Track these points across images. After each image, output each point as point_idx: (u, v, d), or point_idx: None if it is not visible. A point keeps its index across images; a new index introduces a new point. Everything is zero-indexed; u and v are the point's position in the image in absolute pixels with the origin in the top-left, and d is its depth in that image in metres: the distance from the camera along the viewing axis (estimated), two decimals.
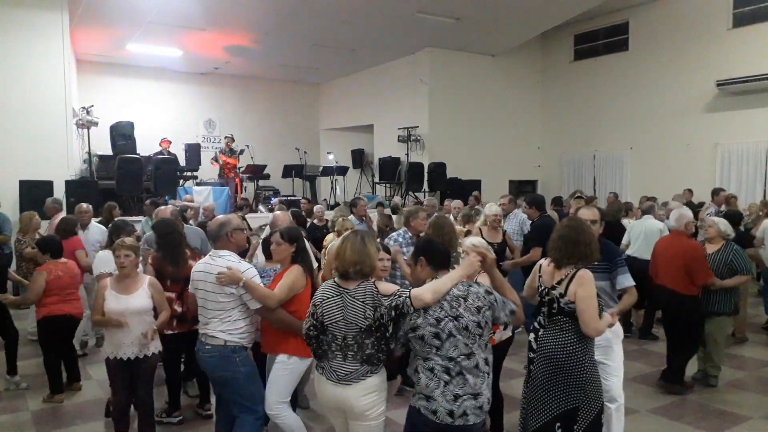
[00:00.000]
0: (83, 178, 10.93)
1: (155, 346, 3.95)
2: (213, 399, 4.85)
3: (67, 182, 9.72)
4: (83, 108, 11.03)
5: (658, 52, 13.44)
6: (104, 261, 4.90)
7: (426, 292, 2.71)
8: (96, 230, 6.75)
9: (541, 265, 3.44)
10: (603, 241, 3.85)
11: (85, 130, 11.13)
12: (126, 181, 10.31)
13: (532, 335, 3.35)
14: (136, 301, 3.88)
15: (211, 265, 3.53)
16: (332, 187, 14.25)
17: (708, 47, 12.61)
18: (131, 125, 12.09)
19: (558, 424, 3.13)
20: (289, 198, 13.43)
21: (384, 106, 15.55)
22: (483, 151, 14.89)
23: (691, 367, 5.48)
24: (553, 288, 3.24)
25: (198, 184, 12.66)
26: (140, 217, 8.39)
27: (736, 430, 4.54)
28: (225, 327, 3.49)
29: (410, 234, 5.08)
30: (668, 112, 13.33)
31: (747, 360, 6.18)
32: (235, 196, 12.23)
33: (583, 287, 3.13)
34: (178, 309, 4.44)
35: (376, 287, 2.88)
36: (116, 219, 6.57)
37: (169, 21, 11.44)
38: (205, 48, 13.53)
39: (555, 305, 3.22)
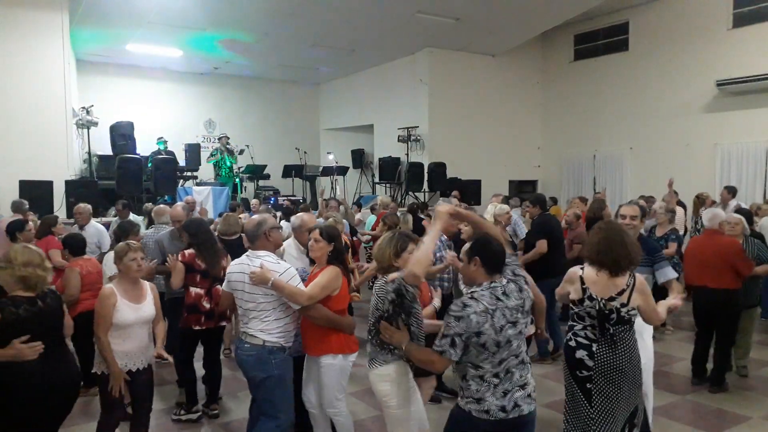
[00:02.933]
0: (83, 178, 10.93)
1: (151, 358, 3.78)
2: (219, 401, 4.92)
3: (67, 182, 9.72)
4: (83, 108, 11.04)
5: (658, 52, 13.44)
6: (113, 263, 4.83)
7: (412, 266, 2.92)
8: (93, 231, 6.70)
9: (581, 277, 3.26)
10: (642, 237, 4.09)
11: (85, 130, 11.14)
12: (126, 181, 10.31)
13: (583, 352, 3.19)
14: (147, 310, 3.68)
15: (248, 265, 3.54)
16: (332, 187, 14.24)
17: (708, 47, 12.60)
18: (131, 125, 12.09)
19: (626, 425, 3.25)
20: (288, 198, 13.45)
21: (384, 106, 15.55)
22: (483, 151, 14.89)
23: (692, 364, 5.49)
24: (612, 299, 3.13)
25: (198, 184, 12.66)
26: (140, 217, 8.38)
27: (736, 430, 4.54)
28: (264, 326, 3.50)
29: (445, 236, 5.09)
30: (668, 112, 13.32)
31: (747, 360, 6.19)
32: (234, 197, 12.22)
33: (644, 292, 3.19)
34: (207, 305, 4.45)
35: (384, 280, 3.16)
36: (123, 220, 6.58)
37: (169, 21, 11.44)
38: (205, 48, 13.53)
39: (614, 316, 3.12)
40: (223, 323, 4.80)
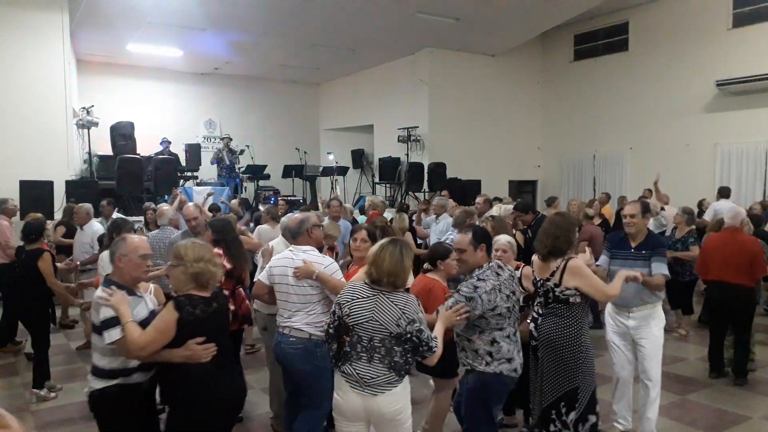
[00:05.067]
0: (83, 179, 10.94)
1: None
2: None
3: (68, 182, 9.72)
4: (83, 108, 11.03)
5: (658, 52, 13.44)
6: (107, 265, 4.72)
7: (437, 348, 2.92)
8: (90, 231, 6.71)
9: (532, 261, 3.78)
10: (650, 232, 4.25)
11: (86, 131, 11.14)
12: (126, 181, 10.31)
13: (531, 324, 3.67)
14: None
15: (293, 260, 3.63)
16: (332, 188, 14.24)
17: (708, 47, 12.61)
18: (131, 125, 12.09)
19: (562, 403, 3.49)
20: (289, 198, 13.44)
21: (384, 106, 15.55)
22: (483, 151, 14.89)
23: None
24: (547, 280, 3.55)
25: (198, 184, 12.66)
26: (140, 218, 8.38)
27: (736, 430, 4.55)
28: (310, 320, 3.55)
29: None
30: (668, 112, 13.33)
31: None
32: (235, 197, 12.22)
33: (579, 275, 3.45)
34: (231, 307, 4.42)
35: (419, 302, 2.97)
36: (117, 217, 6.56)
37: (169, 21, 11.44)
38: (205, 48, 13.53)
39: (551, 294, 3.54)
40: (245, 325, 4.73)
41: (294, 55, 14.43)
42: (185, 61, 14.55)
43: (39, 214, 6.64)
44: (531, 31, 14.01)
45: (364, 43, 13.56)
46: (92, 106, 11.12)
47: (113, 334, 2.76)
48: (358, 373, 2.87)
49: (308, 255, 3.64)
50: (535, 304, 3.68)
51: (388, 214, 8.95)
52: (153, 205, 8.01)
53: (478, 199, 7.46)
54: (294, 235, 3.80)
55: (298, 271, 3.54)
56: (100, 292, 2.86)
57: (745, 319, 5.57)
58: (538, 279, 3.64)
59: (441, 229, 7.40)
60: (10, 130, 9.61)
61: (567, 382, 3.47)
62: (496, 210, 7.33)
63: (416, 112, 14.39)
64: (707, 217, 8.76)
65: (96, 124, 11.18)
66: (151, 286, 3.97)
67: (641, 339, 4.13)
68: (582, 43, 15.28)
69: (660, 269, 4.02)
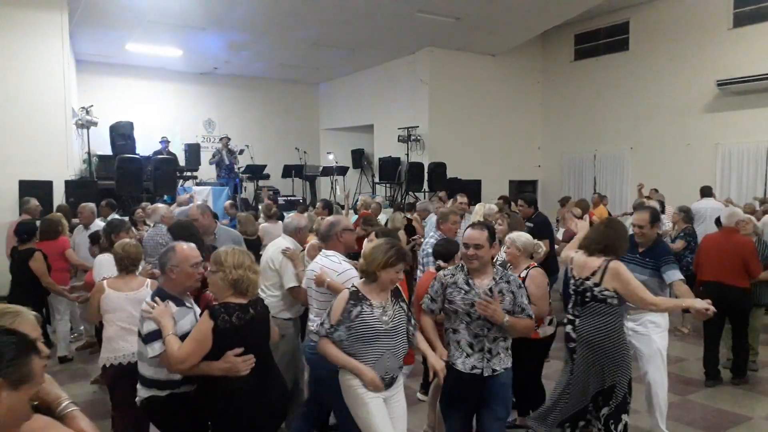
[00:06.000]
0: (83, 178, 10.92)
1: None
2: None
3: (67, 182, 9.71)
4: (83, 108, 11.02)
5: (659, 52, 13.43)
6: (106, 265, 4.55)
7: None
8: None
9: (572, 258, 3.82)
10: (658, 240, 4.32)
11: (85, 130, 11.12)
12: (126, 181, 10.30)
13: (569, 326, 3.74)
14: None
15: (317, 264, 3.69)
16: (332, 188, 14.24)
17: (708, 47, 12.59)
18: (131, 125, 12.09)
19: (600, 398, 3.58)
20: (290, 198, 13.45)
21: (384, 106, 15.54)
22: (483, 151, 14.88)
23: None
24: (587, 279, 3.62)
25: (198, 184, 12.65)
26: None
27: (736, 430, 4.54)
28: None
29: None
30: (668, 112, 13.31)
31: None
32: (234, 197, 12.22)
33: (619, 279, 3.52)
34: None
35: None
36: (113, 218, 6.55)
37: (168, 21, 11.43)
38: (205, 48, 13.52)
39: (589, 294, 3.60)
40: None
41: (294, 55, 14.42)
42: (185, 60, 14.54)
43: (59, 214, 6.69)
44: (531, 30, 14.00)
45: (364, 42, 13.55)
46: (92, 105, 11.11)
47: (155, 348, 2.77)
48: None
49: (327, 261, 3.66)
50: (570, 306, 3.77)
51: (384, 216, 8.94)
52: (143, 205, 8.03)
53: (460, 198, 7.55)
54: (323, 239, 3.82)
55: (314, 278, 3.62)
56: (145, 304, 2.89)
57: (741, 320, 5.56)
58: (577, 278, 3.71)
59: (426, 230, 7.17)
60: (9, 130, 9.59)
61: (604, 380, 3.55)
62: (479, 208, 7.31)
63: (416, 112, 14.38)
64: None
65: (95, 124, 11.17)
66: (148, 280, 4.00)
67: (638, 341, 4.17)
68: (582, 43, 15.26)
69: (675, 276, 4.06)
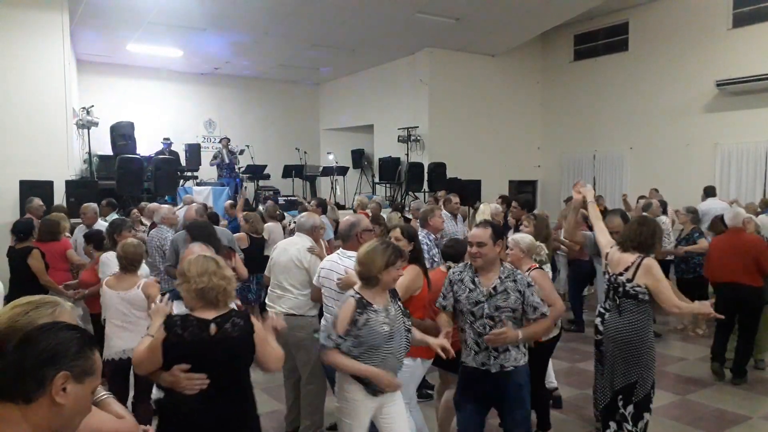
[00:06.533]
0: (83, 179, 10.93)
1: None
2: None
3: (68, 182, 9.71)
4: (83, 108, 11.03)
5: (658, 52, 13.44)
6: (110, 264, 4.57)
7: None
8: None
9: (607, 253, 3.89)
10: None
11: (86, 131, 11.13)
12: (126, 181, 10.30)
13: (598, 319, 3.85)
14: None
15: (338, 264, 3.65)
16: (332, 188, 14.24)
17: (708, 47, 12.60)
18: (131, 125, 12.08)
19: (620, 396, 3.64)
20: (289, 198, 13.45)
21: (384, 106, 15.55)
22: (483, 151, 14.89)
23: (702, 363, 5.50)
24: (620, 274, 3.70)
25: (198, 184, 12.66)
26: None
27: (736, 430, 4.55)
28: None
29: (432, 235, 5.25)
30: (668, 112, 13.32)
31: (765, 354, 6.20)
32: (234, 197, 12.23)
33: (652, 275, 3.60)
34: None
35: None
36: (117, 217, 6.56)
37: (169, 21, 11.43)
38: (205, 48, 13.52)
39: (621, 289, 3.68)
40: None
41: (294, 55, 14.42)
42: (185, 61, 14.54)
43: (61, 214, 6.70)
44: (531, 31, 14.01)
45: (364, 43, 13.56)
46: (92, 106, 11.12)
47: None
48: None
49: (351, 262, 3.54)
50: (604, 300, 3.85)
51: (384, 216, 8.93)
52: (141, 205, 8.05)
53: (455, 198, 7.58)
54: (344, 238, 3.80)
55: (340, 281, 3.55)
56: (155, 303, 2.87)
57: (752, 319, 5.61)
58: (610, 273, 3.79)
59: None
60: (10, 130, 9.59)
61: (627, 377, 3.63)
62: (485, 208, 7.36)
63: (416, 112, 14.39)
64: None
65: (96, 124, 11.17)
66: (142, 280, 4.03)
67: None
68: (582, 43, 15.27)
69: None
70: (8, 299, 5.75)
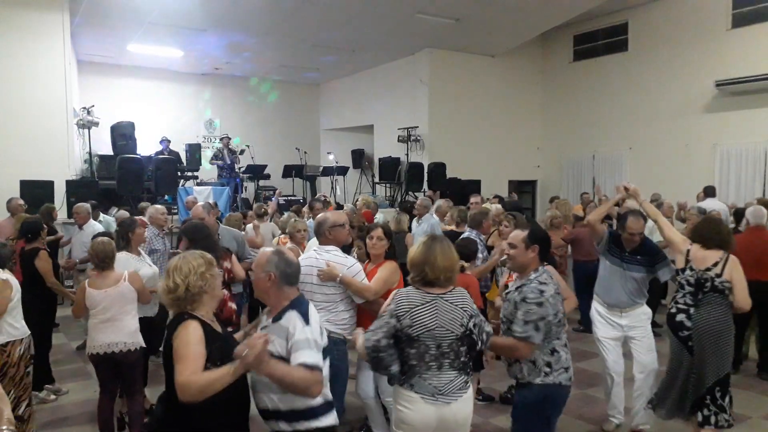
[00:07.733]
0: (84, 178, 10.94)
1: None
2: None
3: (68, 182, 9.73)
4: (84, 108, 11.05)
5: (658, 52, 13.45)
6: (124, 263, 4.40)
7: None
8: (90, 231, 6.61)
9: (688, 250, 3.96)
10: (647, 240, 4.43)
11: (86, 130, 11.15)
12: (127, 181, 10.31)
13: (682, 315, 3.88)
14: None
15: (317, 259, 3.67)
16: (332, 187, 14.26)
17: (707, 47, 12.62)
18: (132, 125, 12.10)
19: (717, 388, 3.74)
20: (289, 197, 13.46)
21: (384, 106, 15.56)
22: (483, 151, 14.90)
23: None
24: (708, 270, 3.82)
25: (198, 184, 12.66)
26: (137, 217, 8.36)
27: (736, 430, 4.55)
28: (330, 317, 3.59)
29: (483, 236, 5.52)
30: (667, 112, 13.34)
31: (747, 359, 6.20)
32: (235, 197, 12.24)
33: (738, 271, 3.79)
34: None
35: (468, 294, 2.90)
36: (124, 218, 6.54)
37: (169, 21, 11.45)
38: (206, 48, 13.54)
39: (708, 284, 3.81)
40: (229, 329, 4.69)
41: (294, 55, 14.44)
42: (185, 61, 14.56)
43: (38, 215, 6.66)
44: (531, 31, 14.02)
45: (364, 43, 13.57)
46: (93, 106, 11.13)
47: None
48: (430, 384, 2.68)
49: (331, 255, 3.66)
50: (681, 296, 3.93)
51: (380, 215, 8.93)
52: (140, 205, 8.04)
53: (475, 199, 7.60)
54: (317, 235, 3.89)
55: (321, 274, 3.58)
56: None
57: None
58: (695, 269, 3.88)
59: (424, 230, 6.94)
60: (10, 130, 9.61)
61: (723, 368, 3.74)
62: (490, 208, 7.41)
63: (416, 112, 14.40)
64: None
65: (96, 124, 11.19)
66: (126, 272, 4.06)
67: (636, 334, 4.34)
68: (582, 44, 15.28)
69: (668, 275, 4.30)
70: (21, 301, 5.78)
